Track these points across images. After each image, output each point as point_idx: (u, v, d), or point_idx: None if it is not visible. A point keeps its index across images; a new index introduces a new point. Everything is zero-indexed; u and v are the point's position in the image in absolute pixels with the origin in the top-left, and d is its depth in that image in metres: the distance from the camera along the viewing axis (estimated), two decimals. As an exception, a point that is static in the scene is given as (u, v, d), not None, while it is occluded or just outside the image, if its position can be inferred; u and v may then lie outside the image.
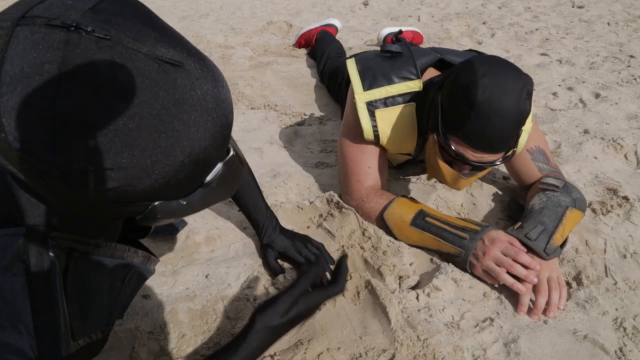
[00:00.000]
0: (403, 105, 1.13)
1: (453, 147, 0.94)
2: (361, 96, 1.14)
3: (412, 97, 1.12)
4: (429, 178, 1.16)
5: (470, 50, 1.30)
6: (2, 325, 0.48)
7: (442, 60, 1.21)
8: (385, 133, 1.15)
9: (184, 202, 0.50)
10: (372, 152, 1.20)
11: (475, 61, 0.92)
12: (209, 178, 0.51)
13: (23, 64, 0.39)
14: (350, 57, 1.26)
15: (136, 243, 0.81)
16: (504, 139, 0.91)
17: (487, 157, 0.94)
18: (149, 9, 0.46)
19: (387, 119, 1.14)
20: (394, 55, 1.18)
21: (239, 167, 0.56)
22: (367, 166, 1.20)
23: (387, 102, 1.13)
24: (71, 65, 0.39)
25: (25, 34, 0.39)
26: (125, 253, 0.68)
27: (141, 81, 0.41)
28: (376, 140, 1.17)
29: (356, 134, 1.19)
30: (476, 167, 0.97)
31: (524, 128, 1.12)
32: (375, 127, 1.15)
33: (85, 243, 0.59)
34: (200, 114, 0.44)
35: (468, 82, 0.90)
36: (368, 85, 1.14)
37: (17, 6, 0.42)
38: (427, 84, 1.11)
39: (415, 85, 1.12)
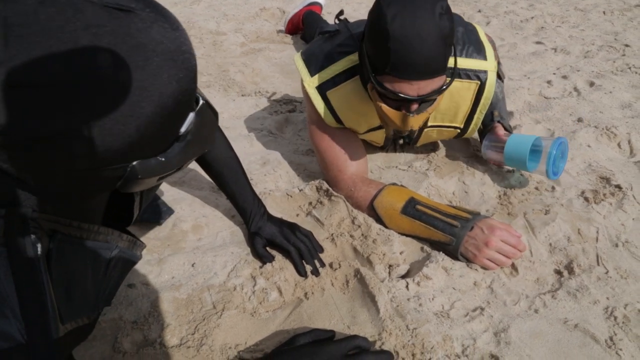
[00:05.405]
0: (351, 80, 1.11)
1: (389, 87, 0.91)
2: (310, 82, 1.13)
3: (357, 69, 1.10)
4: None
5: None
6: None
7: None
8: (343, 112, 1.14)
9: (163, 159, 0.49)
10: (343, 137, 1.18)
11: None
12: (183, 130, 0.49)
13: None
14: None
15: (121, 230, 0.80)
16: (431, 59, 0.87)
17: (426, 85, 0.90)
18: None
19: (340, 97, 1.12)
20: (332, 34, 1.16)
21: (212, 117, 0.54)
22: (342, 153, 1.18)
23: (335, 80, 1.11)
24: (15, 23, 0.35)
25: None
26: (108, 236, 0.66)
27: (95, 31, 0.37)
28: (339, 123, 1.15)
29: (320, 123, 1.18)
30: (423, 101, 0.94)
31: (488, 68, 1.09)
32: (332, 108, 1.13)
33: (67, 225, 0.57)
34: (161, 59, 0.41)
35: (377, 17, 0.88)
36: (314, 70, 1.13)
37: None
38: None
39: (357, 58, 1.09)
